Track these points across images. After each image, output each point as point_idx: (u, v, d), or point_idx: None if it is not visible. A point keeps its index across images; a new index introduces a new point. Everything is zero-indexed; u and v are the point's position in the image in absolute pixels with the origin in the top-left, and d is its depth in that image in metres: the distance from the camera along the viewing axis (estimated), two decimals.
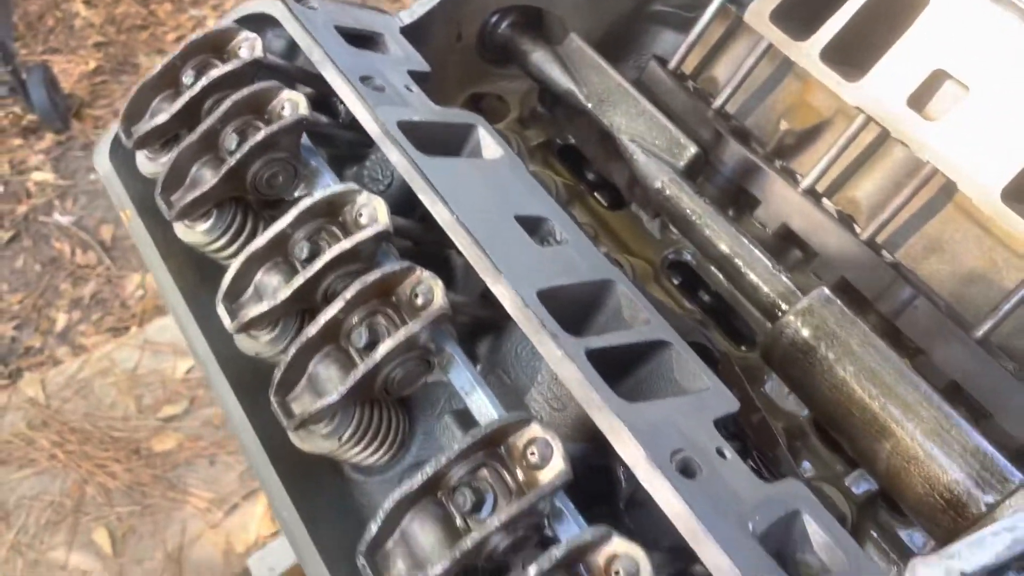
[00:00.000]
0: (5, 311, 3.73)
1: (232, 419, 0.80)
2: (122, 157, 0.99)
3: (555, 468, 0.63)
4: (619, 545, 0.60)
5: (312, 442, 0.74)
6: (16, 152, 4.25)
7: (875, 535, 0.94)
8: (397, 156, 0.83)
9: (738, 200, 1.16)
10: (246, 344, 0.79)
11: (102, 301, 3.79)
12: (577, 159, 1.30)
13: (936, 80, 0.97)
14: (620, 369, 0.81)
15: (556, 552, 0.58)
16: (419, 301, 0.72)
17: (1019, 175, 0.90)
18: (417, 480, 0.64)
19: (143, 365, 3.38)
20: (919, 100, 0.98)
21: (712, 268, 1.14)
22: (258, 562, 2.80)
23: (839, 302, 0.90)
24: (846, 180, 1.11)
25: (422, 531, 0.64)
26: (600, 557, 0.60)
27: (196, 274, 0.92)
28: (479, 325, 0.85)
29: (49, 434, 3.20)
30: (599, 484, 0.79)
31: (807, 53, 1.05)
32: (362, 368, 0.68)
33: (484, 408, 0.73)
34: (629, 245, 1.18)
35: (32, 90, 4.11)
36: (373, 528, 0.63)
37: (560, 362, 0.70)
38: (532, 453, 0.64)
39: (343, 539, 0.75)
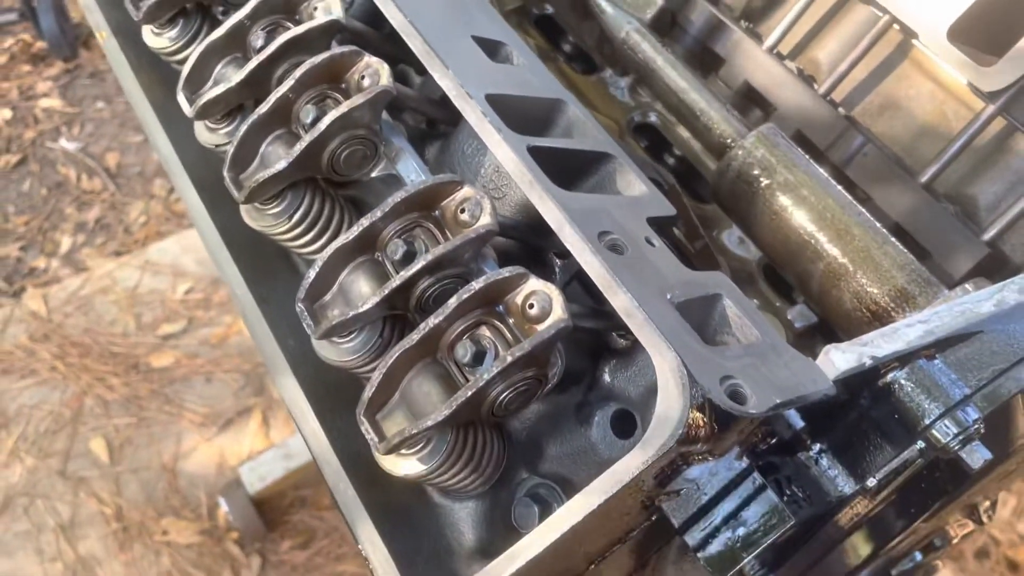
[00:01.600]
0: (11, 232, 3.78)
1: (192, 212, 0.84)
2: None
3: (483, 221, 0.67)
4: (535, 284, 0.63)
5: (262, 220, 0.78)
6: (25, 78, 4.29)
7: None
8: None
9: (704, 61, 1.18)
10: (205, 136, 0.83)
11: (106, 226, 3.84)
12: (553, 31, 1.33)
13: None
14: (565, 177, 0.84)
15: (476, 284, 0.62)
16: (366, 83, 0.75)
17: (965, 14, 0.92)
18: (354, 231, 0.67)
19: (143, 284, 3.44)
20: None
21: (677, 129, 1.17)
22: (249, 472, 2.86)
23: (782, 134, 0.93)
24: (809, 41, 1.13)
25: (358, 282, 0.68)
26: (518, 297, 0.64)
27: (164, 89, 0.95)
28: (429, 133, 0.89)
29: (50, 347, 3.26)
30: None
31: None
32: (307, 138, 0.71)
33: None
34: (597, 106, 1.21)
35: (42, 17, 4.14)
36: (311, 275, 0.67)
37: (499, 147, 0.73)
38: (463, 211, 0.68)
39: (292, 318, 0.79)
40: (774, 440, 0.71)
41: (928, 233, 0.97)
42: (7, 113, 4.14)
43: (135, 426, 3.09)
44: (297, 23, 0.81)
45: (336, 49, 0.75)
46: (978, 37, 0.94)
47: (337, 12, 0.78)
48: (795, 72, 1.10)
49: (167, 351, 3.26)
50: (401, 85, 0.77)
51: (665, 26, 1.13)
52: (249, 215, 0.78)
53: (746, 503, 0.64)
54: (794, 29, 1.10)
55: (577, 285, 0.80)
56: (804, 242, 0.89)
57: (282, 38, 0.76)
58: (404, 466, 0.64)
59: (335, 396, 0.73)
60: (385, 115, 0.80)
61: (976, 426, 0.70)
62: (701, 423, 0.61)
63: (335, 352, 0.69)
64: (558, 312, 0.61)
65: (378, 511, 0.66)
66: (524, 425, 0.76)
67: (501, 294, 0.64)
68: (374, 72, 0.75)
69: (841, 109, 1.07)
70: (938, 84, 1.03)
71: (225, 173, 0.75)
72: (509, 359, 0.58)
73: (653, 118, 1.20)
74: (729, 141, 0.98)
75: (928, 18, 0.94)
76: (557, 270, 0.80)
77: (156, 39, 0.87)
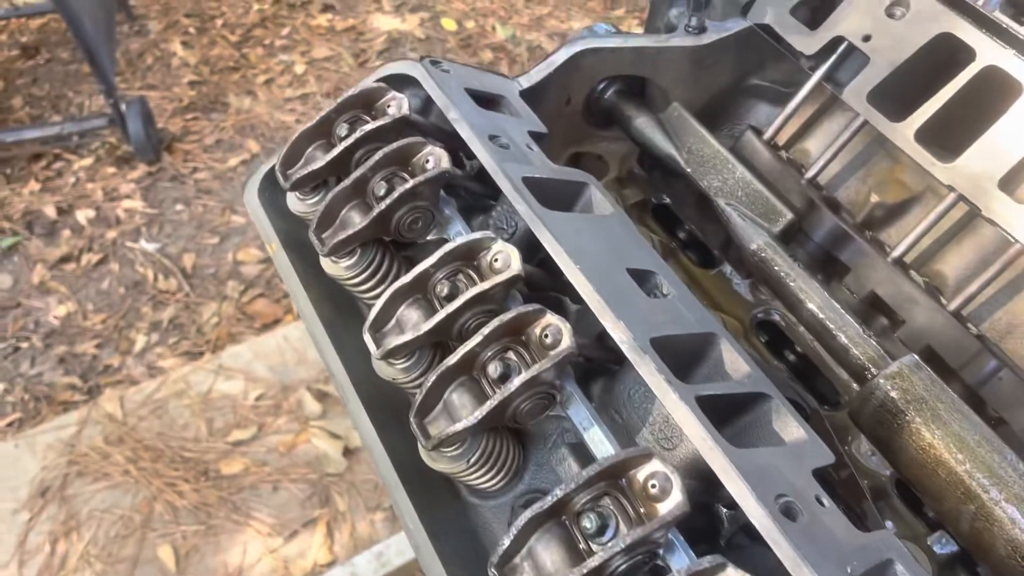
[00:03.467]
0: (89, 330, 3.91)
1: (364, 436, 0.88)
2: (268, 197, 1.10)
3: (674, 500, 0.70)
4: (733, 574, 0.66)
5: (442, 462, 0.82)
6: (109, 180, 4.49)
7: None
8: (524, 208, 0.91)
9: (827, 267, 1.22)
10: (385, 370, 0.88)
11: (179, 326, 3.95)
12: (669, 219, 1.38)
13: None
14: (723, 418, 0.88)
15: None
16: (548, 341, 0.80)
17: None
18: (548, 501, 0.71)
19: (216, 389, 3.51)
20: (1010, 182, 1.04)
21: (799, 329, 1.20)
22: None
23: (928, 368, 0.96)
24: (934, 254, 1.17)
25: (548, 550, 0.71)
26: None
27: (330, 304, 1.01)
28: (592, 368, 0.93)
29: (124, 450, 3.33)
30: (702, 524, 0.85)
31: (902, 133, 1.11)
32: (497, 397, 0.76)
33: (601, 443, 0.80)
34: (719, 302, 1.25)
35: (130, 122, 4.35)
36: (506, 542, 0.70)
37: (675, 404, 0.77)
38: (653, 486, 0.71)
39: (460, 551, 0.83)
40: None
41: None
42: (91, 213, 4.32)
43: (202, 534, 3.12)
44: (475, 268, 0.87)
45: (522, 308, 0.80)
46: None
47: (516, 267, 0.83)
48: (921, 285, 1.13)
49: (237, 458, 3.31)
50: (579, 338, 0.82)
51: (793, 235, 1.17)
52: (429, 456, 0.82)
53: None
54: (919, 243, 1.13)
55: (743, 536, 0.83)
56: (956, 481, 0.90)
57: (470, 293, 0.81)
58: None
59: None
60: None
61: None
62: None
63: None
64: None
65: None
66: None
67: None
68: (556, 331, 0.79)
69: (971, 326, 1.09)
70: None
71: (411, 419, 0.80)
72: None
73: (775, 316, 1.23)
74: (869, 365, 1.01)
75: None
76: (725, 524, 0.82)
77: (334, 267, 0.94)
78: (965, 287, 1.09)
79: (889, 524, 1.02)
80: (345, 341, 0.97)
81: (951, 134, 1.10)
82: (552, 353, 0.78)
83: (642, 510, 0.71)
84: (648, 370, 0.79)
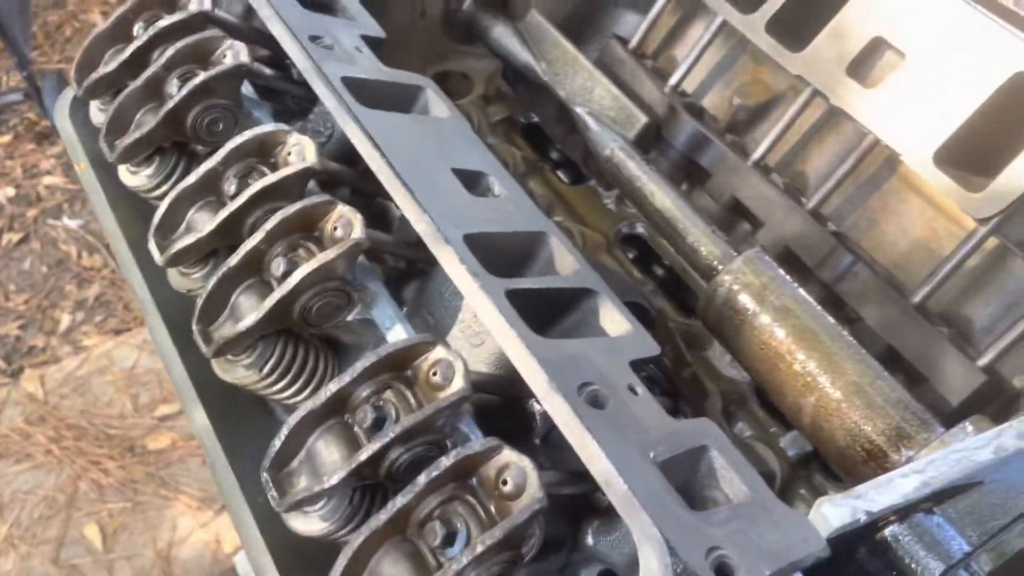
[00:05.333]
0: (11, 311, 3.78)
1: (164, 355, 0.82)
2: (81, 116, 1.02)
3: (455, 386, 0.65)
4: (509, 456, 0.61)
5: (233, 372, 0.76)
6: (29, 156, 4.34)
7: (805, 494, 0.94)
8: (335, 105, 0.85)
9: (691, 175, 1.17)
10: (178, 281, 0.81)
11: (106, 303, 3.84)
12: (541, 138, 1.32)
13: (875, 48, 0.99)
14: (547, 317, 0.82)
15: (446, 460, 0.59)
16: (339, 234, 0.74)
17: (951, 138, 0.91)
18: (321, 396, 0.65)
19: (141, 364, 3.41)
20: (858, 68, 0.99)
21: (662, 241, 1.15)
22: (243, 560, 2.80)
23: (770, 260, 0.91)
24: (795, 155, 1.12)
25: (326, 449, 0.66)
26: (491, 469, 0.61)
27: (142, 224, 0.94)
28: (408, 272, 0.87)
29: (46, 430, 3.23)
30: (516, 422, 0.79)
31: (754, 25, 1.06)
32: (278, 292, 0.70)
33: None
34: (584, 217, 1.19)
35: (46, 96, 4.19)
36: (276, 444, 0.65)
37: (476, 295, 0.71)
38: (435, 373, 0.66)
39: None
40: None
41: (922, 357, 0.94)
42: (10, 191, 4.17)
43: (130, 511, 3.03)
44: (272, 166, 0.80)
45: (308, 200, 0.74)
46: (965, 159, 0.93)
47: (311, 158, 0.77)
48: (781, 187, 1.09)
49: (164, 432, 3.23)
50: (376, 232, 0.76)
51: (650, 140, 1.12)
52: (220, 367, 0.76)
53: None
54: (780, 143, 1.09)
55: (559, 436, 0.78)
56: (795, 374, 0.86)
57: (255, 187, 0.75)
58: None
59: (305, 562, 0.70)
60: (361, 258, 0.79)
61: None
62: None
63: (303, 522, 0.66)
64: (533, 491, 0.59)
65: None
66: None
67: (473, 468, 0.61)
68: (347, 223, 0.73)
69: (830, 225, 1.05)
70: (928, 201, 1.02)
71: (194, 326, 0.73)
72: (480, 548, 0.56)
73: (640, 229, 1.19)
74: (716, 264, 0.96)
75: (914, 142, 0.93)
76: (538, 420, 0.77)
77: (132, 178, 0.87)
78: (823, 186, 1.05)
79: (743, 425, 0.98)
80: (153, 261, 0.90)
81: (804, 25, 1.05)
82: (340, 244, 0.72)
83: (425, 399, 0.66)
84: (451, 261, 0.74)
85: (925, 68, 0.94)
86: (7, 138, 4.38)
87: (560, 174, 1.29)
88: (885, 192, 1.05)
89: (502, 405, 0.77)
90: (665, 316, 1.01)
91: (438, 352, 0.66)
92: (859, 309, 0.99)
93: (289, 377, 0.77)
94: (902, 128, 0.95)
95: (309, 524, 0.66)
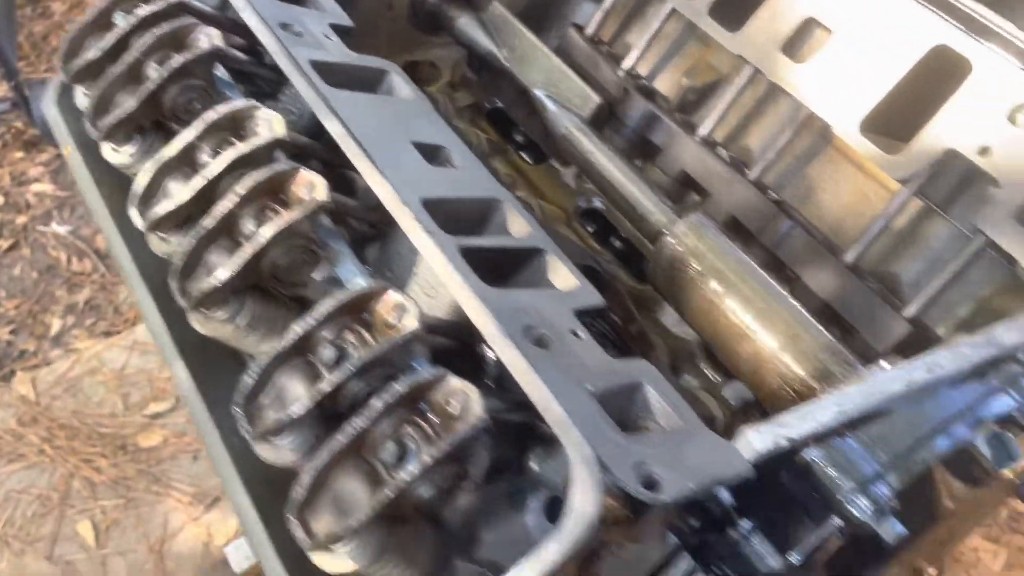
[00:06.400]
0: (2, 316, 3.83)
1: (145, 315, 0.89)
2: (67, 104, 1.09)
3: (408, 326, 0.71)
4: (455, 383, 0.68)
5: (211, 326, 0.82)
6: (17, 165, 4.39)
7: None
8: (303, 85, 0.92)
9: (644, 151, 1.25)
10: (159, 246, 0.88)
11: (96, 307, 3.89)
12: (505, 122, 1.40)
13: (806, 27, 1.06)
14: (499, 274, 0.89)
15: (398, 386, 0.66)
16: (303, 195, 0.80)
17: (876, 108, 0.99)
18: (288, 338, 0.72)
19: (131, 364, 3.47)
20: (792, 47, 1.07)
21: (618, 213, 1.22)
22: (235, 551, 2.85)
23: (711, 223, 0.99)
24: (739, 130, 1.20)
25: (291, 384, 0.72)
26: (439, 394, 0.68)
27: (122, 197, 1.01)
28: (372, 236, 0.94)
29: (38, 430, 3.28)
30: (470, 366, 0.86)
31: (698, 11, 1.14)
32: (249, 248, 0.77)
33: None
34: (545, 193, 1.27)
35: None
36: (247, 380, 0.71)
37: (430, 249, 0.78)
38: (389, 316, 0.73)
39: None
40: (705, 518, 0.75)
41: (854, 311, 1.01)
42: None
43: (122, 508, 3.08)
44: (243, 139, 0.87)
45: (277, 165, 0.81)
46: (889, 127, 1.00)
47: (279, 130, 0.84)
48: (727, 160, 1.16)
49: (155, 430, 3.28)
50: (340, 195, 0.83)
51: (604, 119, 1.20)
52: (197, 321, 0.83)
53: None
54: (726, 119, 1.16)
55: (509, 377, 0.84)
56: (732, 325, 0.94)
57: (227, 155, 0.82)
58: (336, 563, 0.67)
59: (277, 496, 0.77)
60: (328, 221, 0.86)
61: (888, 500, 0.74)
62: (615, 511, 0.65)
63: (274, 452, 0.73)
64: (475, 411, 0.65)
65: None
66: (461, 513, 0.79)
67: (422, 393, 0.68)
68: (311, 186, 0.80)
69: (771, 194, 1.13)
70: (858, 168, 1.09)
71: (171, 283, 0.80)
72: (428, 459, 0.62)
73: (598, 203, 1.26)
74: (662, 229, 1.03)
75: (842, 112, 1.00)
76: (491, 366, 0.84)
77: (115, 155, 0.94)
78: (764, 157, 1.12)
79: (689, 377, 1.05)
80: (134, 232, 0.96)
81: (744, 8, 1.12)
82: (305, 203, 0.79)
83: (381, 339, 0.72)
84: (408, 221, 0.81)
85: (852, 44, 1.02)
86: None
87: (524, 155, 1.36)
88: (821, 161, 1.12)
89: (456, 352, 0.83)
90: (616, 279, 1.08)
91: (392, 296, 0.73)
92: (797, 270, 1.07)
93: (262, 330, 0.84)
94: (832, 100, 1.03)
95: (280, 455, 0.73)
